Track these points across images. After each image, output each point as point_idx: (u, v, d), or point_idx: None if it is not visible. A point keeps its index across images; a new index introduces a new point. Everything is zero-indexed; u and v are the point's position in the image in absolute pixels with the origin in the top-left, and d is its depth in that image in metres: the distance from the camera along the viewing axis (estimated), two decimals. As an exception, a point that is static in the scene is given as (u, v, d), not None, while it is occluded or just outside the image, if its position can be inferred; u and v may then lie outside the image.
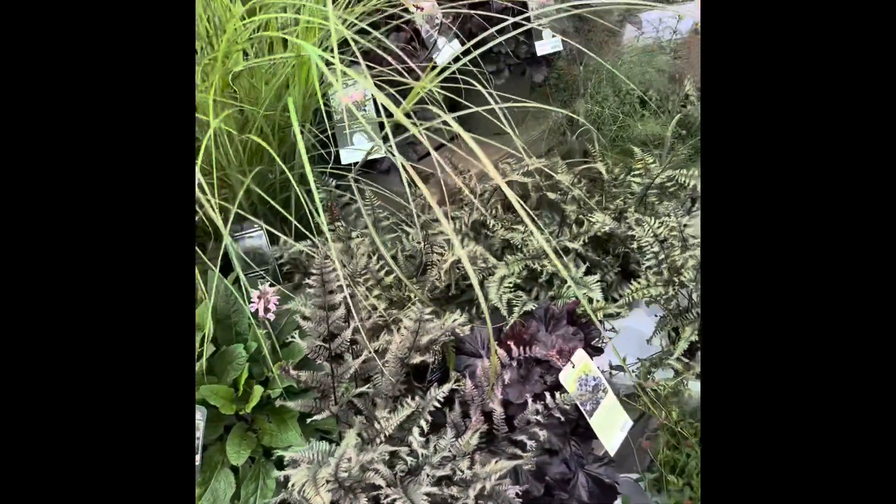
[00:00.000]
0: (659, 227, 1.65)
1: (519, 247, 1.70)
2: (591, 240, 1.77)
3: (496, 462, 1.15)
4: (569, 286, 1.66)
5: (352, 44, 1.24)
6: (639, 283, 1.68)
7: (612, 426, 1.42)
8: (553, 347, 1.44)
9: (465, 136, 1.55)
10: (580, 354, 1.41)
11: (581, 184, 1.83)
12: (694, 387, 1.75)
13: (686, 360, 1.68)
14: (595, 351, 1.62)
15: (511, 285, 1.57)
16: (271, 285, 1.57)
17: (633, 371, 1.74)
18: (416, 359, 1.23)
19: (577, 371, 1.39)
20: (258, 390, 1.34)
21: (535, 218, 1.86)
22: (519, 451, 1.26)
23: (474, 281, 1.07)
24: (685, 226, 1.66)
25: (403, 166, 1.30)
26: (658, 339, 1.78)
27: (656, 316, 1.79)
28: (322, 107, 1.26)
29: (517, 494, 1.18)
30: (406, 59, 1.57)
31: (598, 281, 1.66)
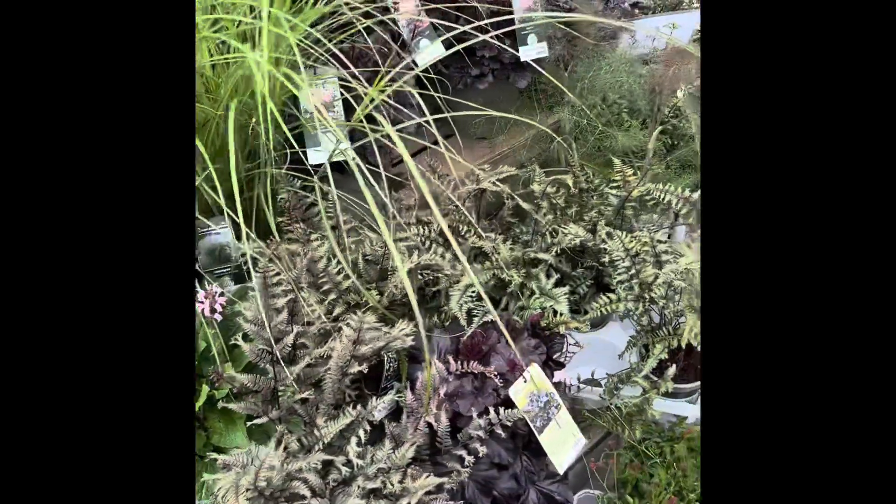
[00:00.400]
0: (631, 242, 1.62)
1: (489, 255, 1.68)
2: (564, 252, 1.74)
3: (426, 477, 1.13)
4: (536, 297, 1.63)
5: (318, 46, 1.23)
6: (608, 297, 1.65)
7: (563, 444, 1.40)
8: (510, 360, 1.41)
9: (441, 140, 1.53)
10: (534, 370, 1.38)
11: (559, 193, 1.80)
12: (658, 405, 1.72)
13: (654, 378, 1.64)
14: (556, 365, 1.59)
15: (474, 294, 1.54)
16: (237, 282, 1.56)
17: (601, 387, 1.71)
18: (356, 367, 1.21)
19: (528, 386, 1.37)
20: (204, 390, 1.33)
21: (510, 226, 1.83)
22: (458, 467, 1.23)
23: (410, 292, 1.05)
24: (658, 241, 1.62)
25: (360, 167, 1.28)
26: (629, 356, 1.74)
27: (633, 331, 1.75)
28: (274, 110, 1.24)
29: (452, 510, 1.16)
30: (379, 60, 1.55)
31: (567, 294, 1.62)
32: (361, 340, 1.19)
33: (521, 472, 1.43)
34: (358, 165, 1.23)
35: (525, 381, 1.37)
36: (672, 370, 1.64)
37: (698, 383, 1.68)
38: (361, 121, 1.34)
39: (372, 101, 1.35)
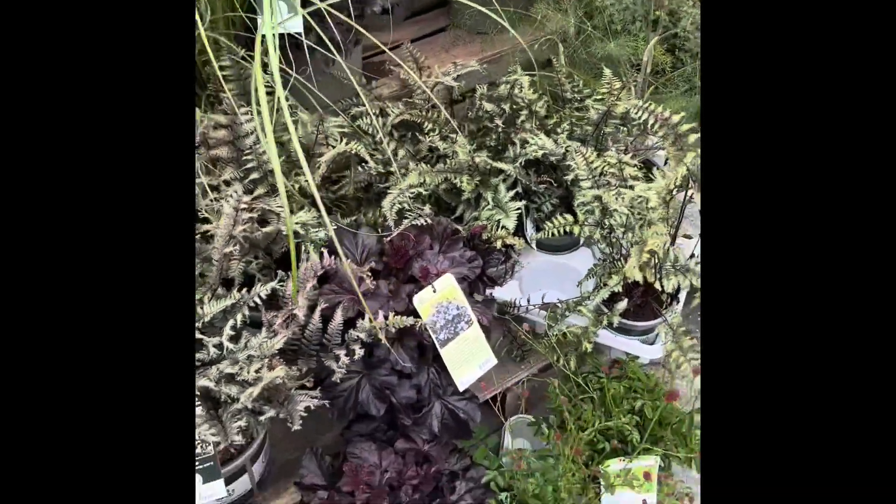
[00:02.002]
0: (595, 161, 1.48)
1: (448, 158, 1.57)
2: (531, 164, 1.61)
3: (280, 368, 1.08)
4: (488, 208, 1.52)
5: None
6: (565, 218, 1.52)
7: (468, 361, 1.32)
8: (423, 267, 1.33)
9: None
10: (447, 280, 1.30)
11: (541, 101, 1.65)
12: (611, 341, 1.61)
13: (605, 311, 1.53)
14: (490, 282, 1.50)
15: (413, 195, 1.45)
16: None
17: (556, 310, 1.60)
18: (231, 248, 1.15)
19: (437, 296, 1.29)
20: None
21: (485, 132, 1.70)
22: (334, 365, 1.18)
23: (310, 181, 0.97)
24: (626, 164, 1.47)
25: (309, 48, 1.19)
26: (589, 284, 1.63)
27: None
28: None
29: (309, 409, 1.11)
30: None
31: (519, 209, 1.51)
32: (238, 221, 1.13)
33: (425, 383, 1.37)
34: (298, 39, 1.13)
35: (434, 291, 1.28)
36: (622, 304, 1.52)
37: (655, 322, 1.56)
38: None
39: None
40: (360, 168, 1.48)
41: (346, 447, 1.37)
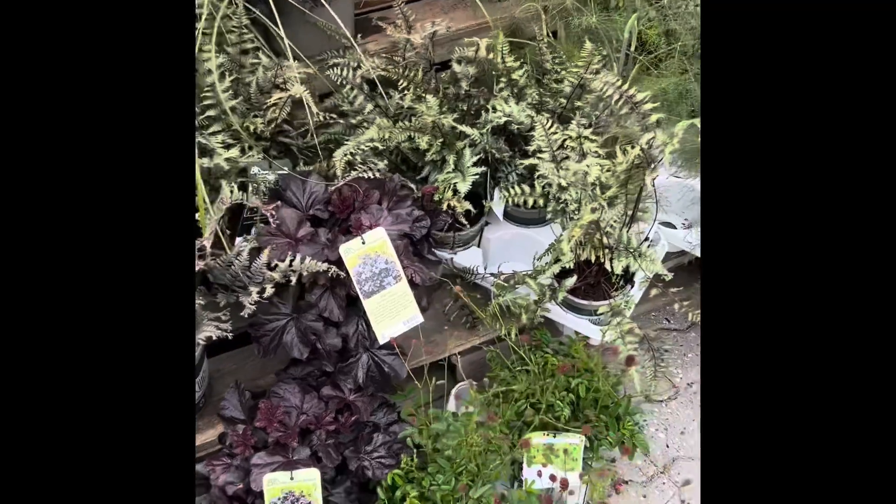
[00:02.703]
0: (555, 133, 1.46)
1: (414, 117, 1.57)
2: (498, 131, 1.60)
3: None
4: (449, 171, 1.52)
5: None
6: (521, 189, 1.51)
7: (392, 316, 1.33)
8: (357, 220, 1.34)
9: None
10: (377, 233, 1.31)
11: (521, 70, 1.62)
12: (561, 317, 1.59)
13: (554, 285, 1.52)
14: (436, 244, 1.51)
15: (368, 149, 1.46)
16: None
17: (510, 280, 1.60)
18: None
19: (365, 248, 1.30)
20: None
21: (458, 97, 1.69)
22: (246, 301, 1.21)
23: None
24: (586, 138, 1.44)
25: None
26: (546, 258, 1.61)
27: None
28: None
29: (210, 339, 1.14)
30: None
31: (476, 175, 1.50)
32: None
33: (353, 333, 1.39)
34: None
35: (363, 243, 1.30)
36: (570, 281, 1.50)
37: (605, 303, 1.54)
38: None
39: None
40: (316, 115, 1.50)
41: (272, 387, 1.41)
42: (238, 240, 1.35)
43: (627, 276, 1.56)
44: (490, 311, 1.54)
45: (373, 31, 1.80)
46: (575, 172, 1.38)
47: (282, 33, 1.43)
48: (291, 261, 1.21)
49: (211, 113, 1.40)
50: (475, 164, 1.53)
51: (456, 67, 1.55)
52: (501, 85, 1.62)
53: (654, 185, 1.43)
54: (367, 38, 1.78)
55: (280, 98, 1.35)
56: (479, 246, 1.74)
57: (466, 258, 1.68)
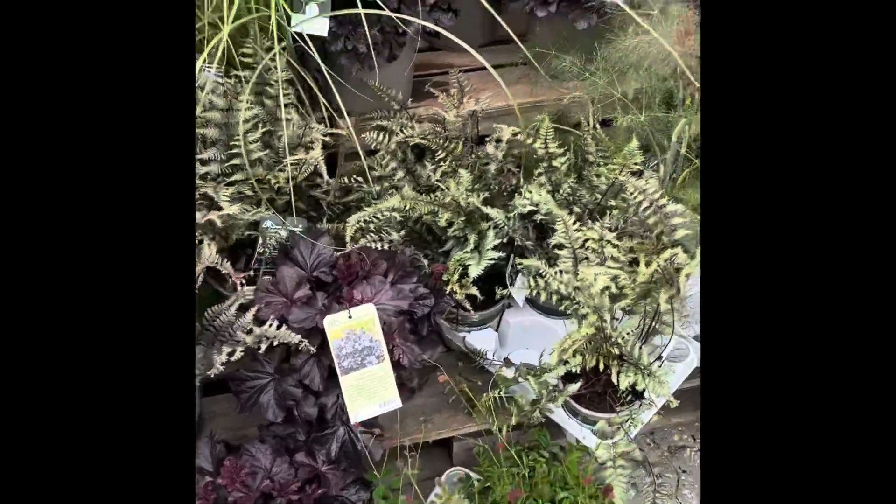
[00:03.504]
0: (578, 232, 1.38)
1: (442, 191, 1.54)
2: (526, 218, 1.54)
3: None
4: (466, 250, 1.47)
5: None
6: (536, 282, 1.44)
7: (369, 396, 1.29)
8: (349, 292, 1.31)
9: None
10: (366, 309, 1.27)
11: (563, 157, 1.56)
12: (562, 420, 1.50)
13: (559, 386, 1.43)
14: (436, 324, 1.46)
15: (387, 217, 1.43)
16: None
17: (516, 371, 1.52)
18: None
19: (350, 322, 1.26)
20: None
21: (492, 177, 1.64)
22: (216, 359, 1.19)
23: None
24: (608, 242, 1.36)
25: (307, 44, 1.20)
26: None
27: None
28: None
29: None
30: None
31: (493, 259, 1.44)
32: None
33: (332, 405, 1.35)
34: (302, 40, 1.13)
35: (349, 317, 1.26)
36: (573, 387, 1.41)
37: (605, 417, 1.44)
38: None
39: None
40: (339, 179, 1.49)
41: (247, 443, 1.39)
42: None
43: (637, 392, 1.45)
44: (484, 402, 1.47)
45: (428, 95, 1.78)
46: (582, 279, 1.30)
47: (315, 90, 1.44)
48: (271, 325, 1.20)
49: (236, 162, 1.41)
50: (496, 248, 1.48)
51: (489, 148, 1.51)
52: (541, 170, 1.57)
53: (672, 303, 1.33)
54: (419, 102, 1.77)
55: (299, 159, 1.34)
56: (497, 329, 1.68)
57: (480, 340, 1.62)
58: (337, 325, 1.25)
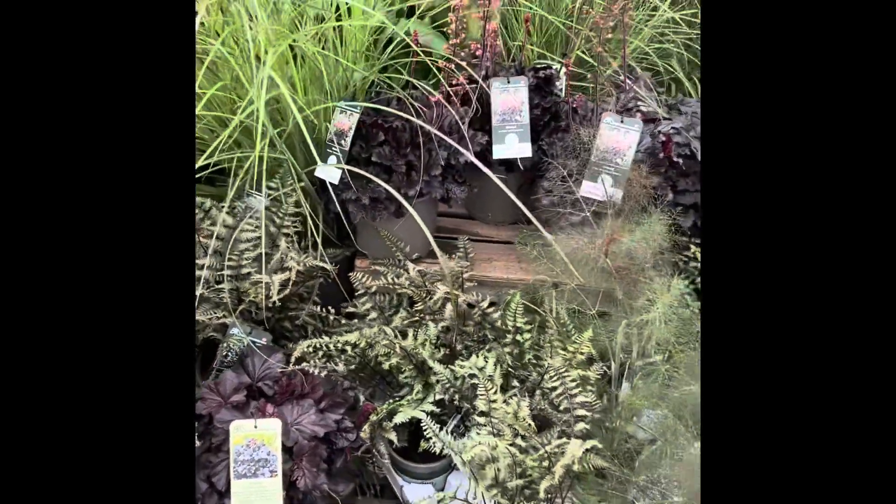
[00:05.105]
0: (495, 404, 1.42)
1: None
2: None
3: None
4: (409, 397, 1.55)
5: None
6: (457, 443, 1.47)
7: (251, 502, 1.36)
8: (264, 405, 1.43)
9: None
10: (272, 424, 1.38)
11: (528, 334, 1.62)
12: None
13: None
14: (338, 453, 1.52)
15: (335, 350, 1.56)
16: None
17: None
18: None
19: (255, 432, 1.37)
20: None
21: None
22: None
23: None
24: (520, 420, 1.38)
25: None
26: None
27: None
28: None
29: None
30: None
31: (426, 413, 1.51)
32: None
33: None
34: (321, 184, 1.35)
35: (255, 427, 1.38)
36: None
37: None
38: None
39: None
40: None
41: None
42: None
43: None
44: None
45: (447, 253, 1.93)
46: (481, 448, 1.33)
47: (320, 226, 1.64)
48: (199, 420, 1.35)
49: (228, 272, 1.63)
50: (435, 403, 1.54)
51: (447, 312, 1.61)
52: (507, 340, 1.63)
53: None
54: (433, 259, 1.91)
55: (258, 281, 1.53)
56: (442, 489, 1.69)
57: (415, 493, 1.64)
58: (241, 432, 1.37)
